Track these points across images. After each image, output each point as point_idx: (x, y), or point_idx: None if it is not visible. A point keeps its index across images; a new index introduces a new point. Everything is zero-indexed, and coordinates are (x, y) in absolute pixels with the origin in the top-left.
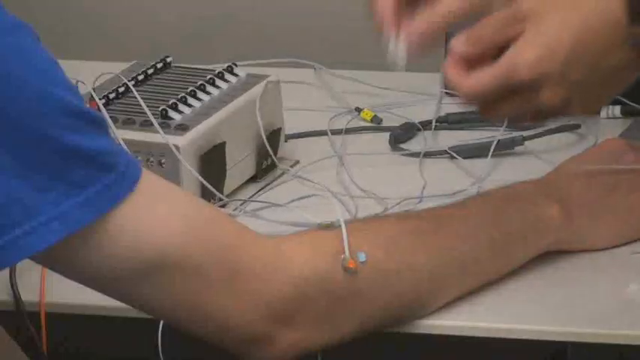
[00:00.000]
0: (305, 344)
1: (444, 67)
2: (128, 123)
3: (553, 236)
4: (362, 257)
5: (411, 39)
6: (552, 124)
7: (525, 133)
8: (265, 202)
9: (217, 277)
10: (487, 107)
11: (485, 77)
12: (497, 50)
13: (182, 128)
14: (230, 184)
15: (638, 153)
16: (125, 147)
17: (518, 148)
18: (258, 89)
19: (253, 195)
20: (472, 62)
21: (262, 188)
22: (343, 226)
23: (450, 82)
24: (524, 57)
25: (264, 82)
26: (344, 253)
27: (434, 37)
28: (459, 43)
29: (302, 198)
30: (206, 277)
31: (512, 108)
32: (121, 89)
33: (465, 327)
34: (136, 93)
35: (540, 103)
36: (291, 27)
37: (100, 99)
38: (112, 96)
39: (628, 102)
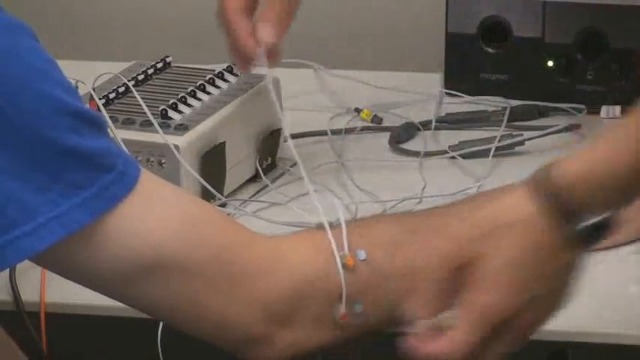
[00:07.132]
0: (304, 344)
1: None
2: (128, 123)
3: None
4: (362, 255)
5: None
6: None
7: (525, 133)
8: (265, 202)
9: (216, 277)
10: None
11: (459, 333)
12: None
13: (182, 128)
14: (230, 184)
15: None
16: (124, 147)
17: (518, 148)
18: (258, 89)
19: (253, 195)
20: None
21: (262, 188)
22: (343, 224)
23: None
24: (486, 302)
25: (264, 82)
26: (343, 250)
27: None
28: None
29: (302, 197)
30: (204, 277)
31: (506, 343)
32: (121, 89)
33: None
34: (135, 93)
35: (527, 327)
36: (291, 27)
37: (99, 99)
38: (111, 96)
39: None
